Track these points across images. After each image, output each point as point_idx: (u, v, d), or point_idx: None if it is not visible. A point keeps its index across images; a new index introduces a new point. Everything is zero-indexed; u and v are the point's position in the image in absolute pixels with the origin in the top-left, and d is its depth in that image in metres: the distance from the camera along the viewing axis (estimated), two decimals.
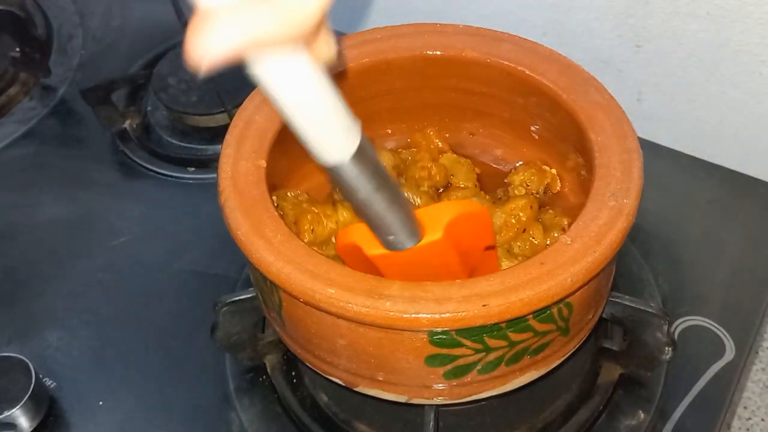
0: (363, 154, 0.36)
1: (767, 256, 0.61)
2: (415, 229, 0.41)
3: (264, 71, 0.31)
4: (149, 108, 0.75)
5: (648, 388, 0.54)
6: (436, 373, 0.44)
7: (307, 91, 0.33)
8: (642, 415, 0.53)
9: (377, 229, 0.40)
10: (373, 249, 0.41)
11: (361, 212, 0.39)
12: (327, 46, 0.33)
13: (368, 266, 0.42)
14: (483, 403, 0.50)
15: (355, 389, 0.47)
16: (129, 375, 0.57)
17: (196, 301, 0.60)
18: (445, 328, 0.41)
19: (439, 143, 0.57)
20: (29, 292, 0.62)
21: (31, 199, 0.69)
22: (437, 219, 0.41)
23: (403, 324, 0.40)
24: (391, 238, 0.40)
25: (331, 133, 0.35)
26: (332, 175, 0.37)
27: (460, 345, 0.42)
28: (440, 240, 0.41)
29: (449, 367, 0.43)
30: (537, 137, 0.55)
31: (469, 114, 0.56)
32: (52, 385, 0.56)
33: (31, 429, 0.53)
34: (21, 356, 0.54)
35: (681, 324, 0.58)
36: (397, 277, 0.41)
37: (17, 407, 0.52)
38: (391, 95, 0.55)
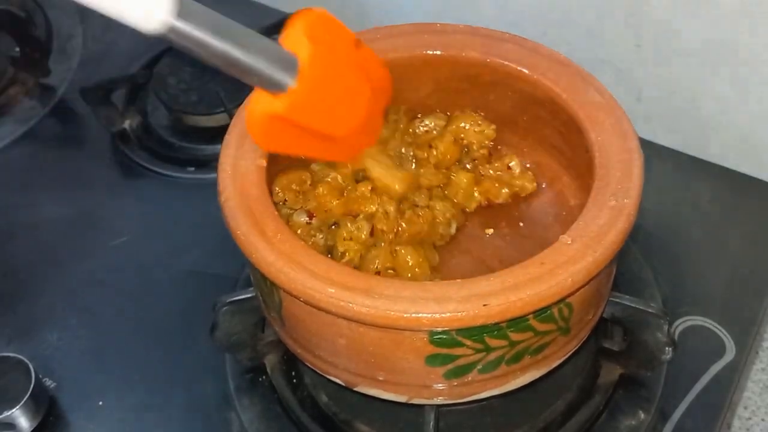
0: (186, 9, 0.36)
1: (767, 256, 0.61)
2: (289, 57, 0.40)
3: None
4: (149, 108, 0.75)
5: (648, 388, 0.54)
6: (436, 373, 0.44)
7: None
8: (642, 415, 0.53)
9: (254, 76, 0.40)
10: (274, 104, 0.41)
11: (226, 66, 0.39)
12: None
13: (298, 139, 0.43)
14: (483, 403, 0.50)
15: (355, 389, 0.47)
16: (129, 375, 0.57)
17: (196, 301, 0.60)
18: (446, 328, 0.41)
19: None
20: (29, 292, 0.62)
21: (31, 199, 0.69)
22: (294, 37, 0.41)
23: (403, 324, 0.40)
24: (276, 77, 0.40)
25: None
26: (171, 40, 0.36)
27: (461, 345, 0.42)
28: (311, 48, 0.41)
29: (450, 366, 0.43)
30: (537, 137, 0.55)
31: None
32: (52, 385, 0.56)
33: (31, 429, 0.53)
34: (21, 356, 0.54)
35: (681, 324, 0.58)
36: (319, 124, 0.42)
37: (17, 407, 0.52)
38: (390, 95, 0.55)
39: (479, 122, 0.55)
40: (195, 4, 0.37)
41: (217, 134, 0.71)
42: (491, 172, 0.55)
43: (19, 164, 0.72)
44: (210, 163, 0.71)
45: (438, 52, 0.53)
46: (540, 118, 0.53)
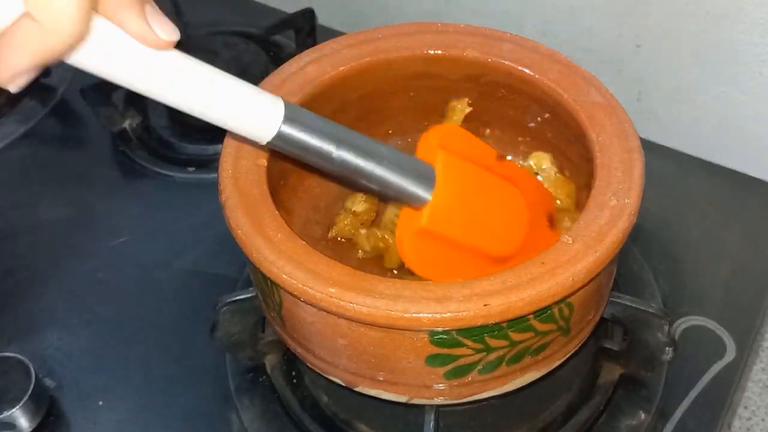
0: (296, 117, 0.37)
1: (767, 256, 0.61)
2: (425, 168, 0.39)
3: (97, 68, 0.33)
4: (149, 108, 0.75)
5: (648, 388, 0.54)
6: (436, 373, 0.44)
7: (161, 75, 0.34)
8: (642, 415, 0.53)
9: (390, 190, 0.39)
10: (418, 218, 0.40)
11: (355, 180, 0.39)
12: (157, 27, 0.35)
13: (455, 260, 0.41)
14: (483, 403, 0.50)
15: (356, 389, 0.47)
16: (129, 375, 0.57)
17: (196, 301, 0.60)
18: (446, 328, 0.41)
19: None
20: (29, 292, 0.62)
21: (31, 199, 0.69)
22: (428, 148, 0.40)
23: (403, 324, 0.40)
24: (413, 189, 0.39)
25: (248, 113, 0.36)
26: (283, 149, 0.37)
27: (461, 345, 0.42)
28: (445, 154, 0.39)
29: (450, 367, 0.43)
30: (537, 137, 0.55)
31: (469, 113, 0.56)
32: (52, 385, 0.56)
33: (31, 429, 0.53)
34: (21, 356, 0.54)
35: (681, 324, 0.58)
36: (470, 237, 0.40)
37: (17, 407, 0.52)
38: (391, 95, 0.55)
39: None
40: (305, 112, 0.38)
41: (218, 134, 0.70)
42: None
43: (19, 164, 0.72)
44: (210, 163, 0.71)
45: (438, 52, 0.53)
46: (540, 118, 0.53)
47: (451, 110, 0.55)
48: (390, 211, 0.52)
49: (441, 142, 0.40)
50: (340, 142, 0.38)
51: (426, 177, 0.40)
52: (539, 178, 0.52)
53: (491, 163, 0.44)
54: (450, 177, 0.40)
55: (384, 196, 0.40)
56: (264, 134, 0.37)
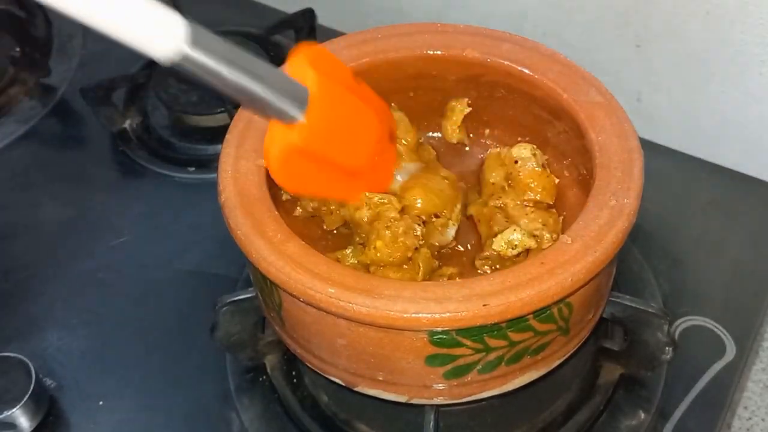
0: (198, 37, 0.36)
1: (767, 256, 0.61)
2: (300, 87, 0.41)
3: None
4: (149, 108, 0.75)
5: (648, 388, 0.54)
6: (436, 373, 0.44)
7: None
8: (642, 415, 0.53)
9: (267, 107, 0.40)
10: (290, 136, 0.41)
11: (238, 96, 0.39)
12: None
13: (317, 175, 0.43)
14: (483, 403, 0.50)
15: (355, 389, 0.47)
16: (129, 375, 0.57)
17: (196, 301, 0.60)
18: (446, 328, 0.41)
19: None
20: (29, 292, 0.62)
21: (31, 199, 0.69)
22: (299, 68, 0.42)
23: (403, 324, 0.40)
24: (288, 108, 0.40)
25: (146, 25, 0.36)
26: (183, 70, 0.37)
27: (461, 345, 0.42)
28: (318, 77, 0.41)
29: (449, 367, 0.43)
30: (537, 137, 0.55)
31: (469, 113, 0.56)
32: (52, 385, 0.56)
33: (32, 429, 0.53)
34: (21, 356, 0.54)
35: (681, 324, 0.57)
36: (336, 154, 0.43)
37: (17, 407, 0.52)
38: (391, 95, 0.55)
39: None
40: (207, 33, 0.37)
41: (218, 134, 0.71)
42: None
43: (19, 164, 0.72)
44: (210, 163, 0.71)
45: (438, 52, 0.53)
46: (540, 118, 0.53)
47: (451, 110, 0.55)
48: None
49: (311, 63, 0.42)
50: (231, 64, 0.38)
51: (301, 96, 0.41)
52: (518, 168, 0.52)
53: (351, 84, 0.46)
54: (323, 98, 0.42)
55: (255, 110, 0.42)
56: (164, 53, 0.37)
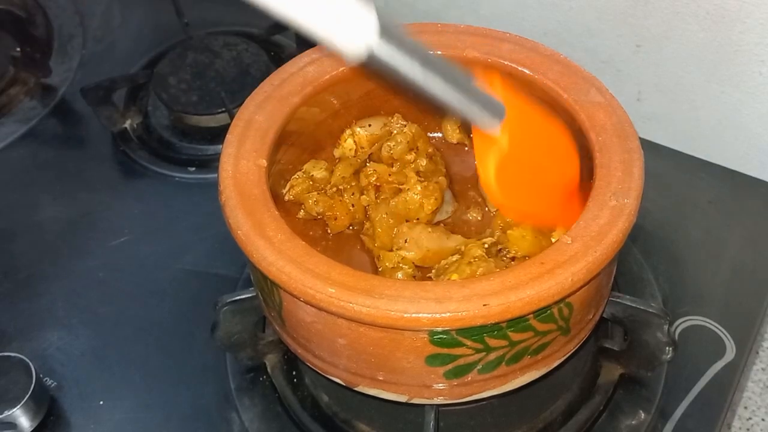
0: (389, 32, 0.35)
1: (767, 256, 0.61)
2: (496, 101, 0.40)
3: None
4: (150, 108, 0.75)
5: (648, 388, 0.54)
6: (436, 373, 0.44)
7: None
8: (642, 415, 0.53)
9: (459, 108, 0.40)
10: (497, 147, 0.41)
11: (427, 93, 0.38)
12: None
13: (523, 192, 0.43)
14: (483, 402, 0.50)
15: (356, 389, 0.47)
16: (129, 375, 0.57)
17: (196, 301, 0.60)
18: (446, 328, 0.41)
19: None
20: (29, 292, 0.62)
21: (31, 199, 0.69)
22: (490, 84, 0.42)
23: (403, 323, 0.40)
24: (478, 115, 0.40)
25: (339, 19, 0.34)
26: (373, 67, 0.36)
27: (461, 345, 0.42)
28: (512, 97, 0.42)
29: (450, 366, 0.43)
30: None
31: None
32: (53, 385, 0.56)
33: (32, 428, 0.53)
34: (21, 356, 0.54)
35: (681, 324, 0.58)
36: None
37: (18, 407, 0.52)
38: (391, 95, 0.55)
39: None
40: (396, 26, 0.36)
41: (218, 134, 0.71)
42: None
43: (19, 164, 0.72)
44: (210, 163, 0.71)
45: (438, 52, 0.53)
46: None
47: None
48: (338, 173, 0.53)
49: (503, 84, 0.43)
50: (426, 64, 0.37)
51: (497, 110, 0.41)
52: None
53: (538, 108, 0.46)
54: (519, 115, 0.42)
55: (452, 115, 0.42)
56: (355, 48, 0.35)
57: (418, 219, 0.51)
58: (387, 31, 0.35)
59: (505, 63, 0.52)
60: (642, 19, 0.66)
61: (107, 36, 0.83)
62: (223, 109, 0.71)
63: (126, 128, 0.74)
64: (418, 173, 0.51)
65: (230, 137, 0.49)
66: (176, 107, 0.73)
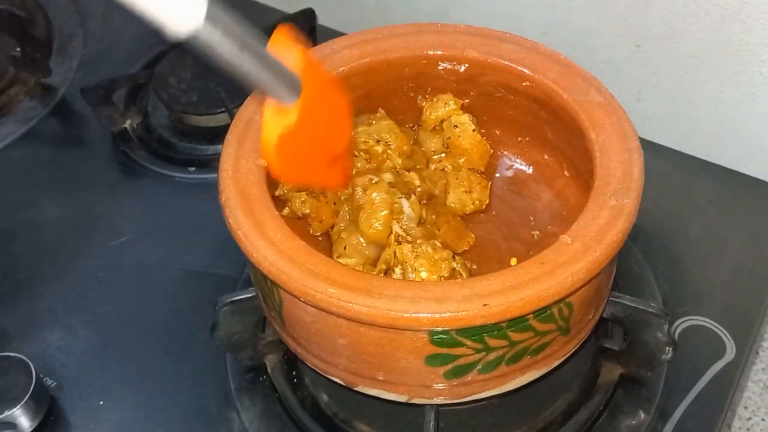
0: (215, 17, 0.36)
1: (767, 256, 0.61)
2: (294, 75, 0.41)
3: None
4: (150, 108, 0.75)
5: (648, 388, 0.54)
6: (436, 373, 0.44)
7: None
8: (642, 415, 0.53)
9: (269, 92, 0.40)
10: (285, 121, 0.41)
11: (237, 75, 0.39)
12: None
13: (303, 163, 0.44)
14: (483, 402, 0.50)
15: (355, 389, 0.47)
16: (129, 375, 0.57)
17: (196, 301, 0.60)
18: (446, 328, 0.41)
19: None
20: (29, 292, 0.62)
21: (31, 199, 0.69)
22: (287, 54, 0.42)
23: (403, 323, 0.40)
24: (278, 92, 0.41)
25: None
26: (193, 47, 0.36)
27: (461, 345, 0.42)
28: (306, 65, 0.42)
29: (449, 366, 0.43)
30: (537, 137, 0.55)
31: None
32: (53, 385, 0.56)
33: (32, 428, 0.53)
34: (21, 356, 0.54)
35: (681, 324, 0.58)
36: (324, 137, 0.44)
37: (18, 407, 0.52)
38: (391, 95, 0.55)
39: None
40: (225, 14, 0.37)
41: (218, 134, 0.71)
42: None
43: (19, 164, 0.72)
44: (210, 163, 0.71)
45: (438, 52, 0.53)
46: (540, 118, 0.53)
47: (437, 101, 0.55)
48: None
49: (303, 57, 0.43)
50: (243, 48, 0.38)
51: (295, 86, 0.41)
52: (457, 131, 0.55)
53: (327, 75, 0.47)
54: (311, 87, 0.42)
55: (251, 87, 0.42)
56: (178, 28, 0.36)
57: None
58: (213, 16, 0.36)
59: (506, 63, 0.52)
60: (642, 19, 0.66)
61: (107, 36, 0.83)
62: (223, 109, 0.71)
63: (126, 128, 0.74)
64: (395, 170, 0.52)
65: (230, 137, 0.49)
66: (176, 107, 0.73)
